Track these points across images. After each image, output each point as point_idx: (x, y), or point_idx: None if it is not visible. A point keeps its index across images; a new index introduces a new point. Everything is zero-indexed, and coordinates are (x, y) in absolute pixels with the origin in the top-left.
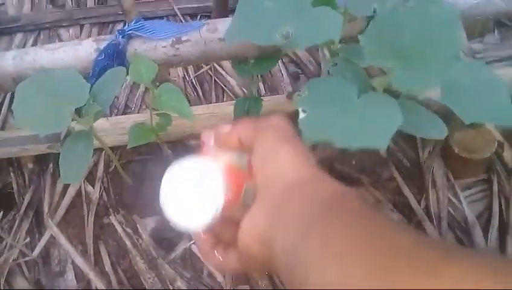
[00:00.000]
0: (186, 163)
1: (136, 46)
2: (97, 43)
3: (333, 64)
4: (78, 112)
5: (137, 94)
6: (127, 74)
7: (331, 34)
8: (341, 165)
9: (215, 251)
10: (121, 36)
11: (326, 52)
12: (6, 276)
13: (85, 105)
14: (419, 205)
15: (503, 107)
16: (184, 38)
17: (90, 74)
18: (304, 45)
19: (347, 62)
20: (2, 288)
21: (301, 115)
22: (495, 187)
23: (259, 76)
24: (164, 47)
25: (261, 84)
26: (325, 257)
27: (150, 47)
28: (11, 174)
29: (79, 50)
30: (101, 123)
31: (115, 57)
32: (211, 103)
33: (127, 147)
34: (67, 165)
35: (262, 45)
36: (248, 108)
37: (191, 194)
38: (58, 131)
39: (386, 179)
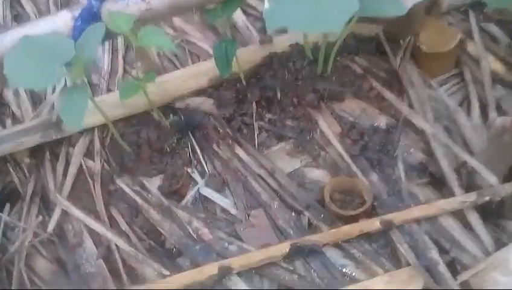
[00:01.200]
0: None
1: (108, 7)
2: (72, 12)
3: None
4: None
5: (118, 76)
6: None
7: None
8: (323, 80)
9: None
10: (93, 0)
11: None
12: (25, 260)
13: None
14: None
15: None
16: None
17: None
18: None
19: None
20: (22, 272)
21: (266, 6)
22: (467, 76)
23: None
24: (135, 3)
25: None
26: None
27: (122, 5)
28: (10, 169)
29: (57, 22)
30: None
31: (91, 20)
32: None
33: (120, 100)
34: (67, 112)
35: None
36: (225, 49)
37: None
38: (52, 85)
39: (367, 90)
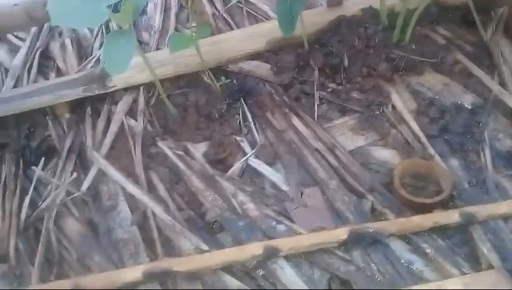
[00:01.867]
0: None
1: None
2: None
3: None
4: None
5: (168, 34)
6: None
7: None
8: (399, 50)
9: None
10: None
11: None
12: (55, 218)
13: (121, 1)
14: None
15: None
16: None
17: None
18: None
19: None
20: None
21: None
22: None
23: None
24: None
25: None
26: None
27: None
28: (49, 123)
29: None
30: (136, 60)
31: None
32: None
33: (170, 53)
34: (111, 57)
35: None
36: (291, 4)
37: None
38: (97, 25)
39: (451, 64)
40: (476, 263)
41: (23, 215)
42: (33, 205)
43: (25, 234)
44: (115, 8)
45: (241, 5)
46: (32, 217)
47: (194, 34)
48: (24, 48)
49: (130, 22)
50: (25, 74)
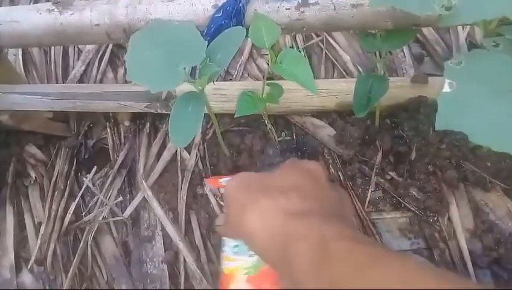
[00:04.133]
0: None
1: (256, 6)
2: None
3: (495, 44)
4: (190, 71)
5: (240, 61)
6: (247, 35)
7: (505, 10)
8: (472, 165)
9: None
10: None
11: (461, 33)
12: (95, 233)
13: (200, 64)
14: None
15: None
16: (312, 0)
17: (205, 32)
18: (468, 19)
19: None
20: (88, 245)
21: (446, 88)
22: None
23: (387, 53)
24: (288, 9)
25: (377, 64)
26: None
27: (272, 8)
28: (107, 129)
29: (196, 4)
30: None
31: (233, 16)
32: (319, 78)
33: (235, 116)
34: (176, 127)
35: (417, 14)
36: (371, 88)
37: None
38: (171, 89)
39: None
40: None
41: (66, 220)
42: (77, 211)
43: (64, 240)
44: (192, 71)
45: (321, 45)
46: (74, 226)
47: (263, 94)
48: None
49: (205, 86)
50: (96, 62)
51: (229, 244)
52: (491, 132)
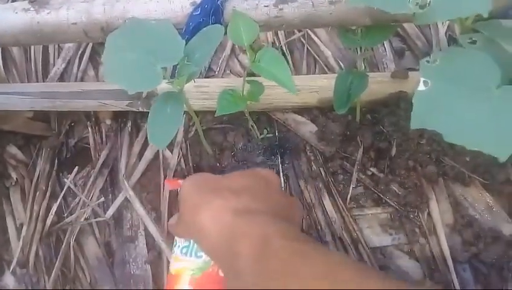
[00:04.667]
0: None
1: (235, 3)
2: None
3: (471, 41)
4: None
5: (222, 57)
6: (225, 33)
7: (479, 8)
8: (451, 161)
9: None
10: None
11: (441, 27)
12: (77, 234)
13: (178, 64)
14: None
15: None
16: None
17: (183, 30)
18: (442, 17)
19: (490, 42)
20: (71, 247)
21: (421, 86)
22: None
23: (367, 48)
24: (266, 6)
25: (358, 60)
26: None
27: (251, 5)
28: (89, 128)
29: (174, 2)
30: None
31: (211, 13)
32: (300, 74)
33: (215, 115)
34: (155, 127)
35: (391, 12)
36: (351, 84)
37: None
38: (149, 89)
39: (501, 182)
40: None
41: (48, 221)
42: (58, 212)
43: (46, 242)
44: (172, 70)
45: (303, 41)
46: (56, 227)
47: (244, 92)
48: None
49: (182, 88)
50: (77, 60)
51: (179, 245)
52: (466, 131)
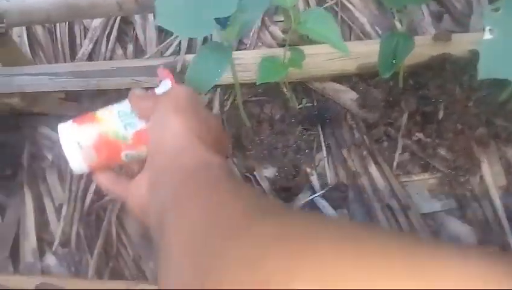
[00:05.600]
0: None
1: None
2: None
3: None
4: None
5: (253, 30)
6: None
7: None
8: (503, 121)
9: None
10: None
11: None
12: (118, 212)
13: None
14: None
15: None
16: None
17: None
18: None
19: None
20: (112, 224)
21: (486, 36)
22: None
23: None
24: None
25: (397, 23)
26: (179, 224)
27: None
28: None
29: None
30: None
31: None
32: None
33: (257, 83)
34: (196, 71)
35: None
36: (396, 46)
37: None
38: (200, 36)
39: None
40: None
41: (88, 200)
42: (98, 191)
43: (87, 220)
44: (223, 23)
45: (336, 9)
46: (96, 206)
47: (285, 60)
48: None
49: (231, 41)
50: (104, 39)
51: (126, 109)
52: None
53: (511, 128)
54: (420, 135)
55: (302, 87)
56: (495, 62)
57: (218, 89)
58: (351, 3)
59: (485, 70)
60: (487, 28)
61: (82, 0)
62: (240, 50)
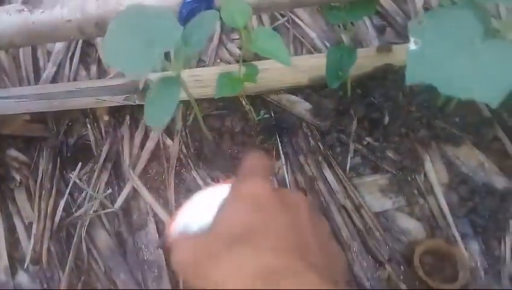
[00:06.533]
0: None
1: None
2: None
3: (452, 2)
4: (166, 56)
5: (211, 47)
6: (219, 17)
7: None
8: (442, 123)
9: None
10: None
11: (418, 1)
12: (87, 227)
13: (175, 49)
14: None
15: None
16: None
17: (177, 17)
18: None
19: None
20: (82, 240)
21: (412, 46)
22: None
23: (351, 24)
24: None
25: (344, 37)
26: None
27: None
28: (88, 125)
29: None
30: None
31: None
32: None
33: (214, 97)
34: (152, 109)
35: None
36: (341, 59)
37: None
38: (146, 72)
39: (490, 140)
40: None
41: (57, 218)
42: (66, 208)
43: (57, 237)
44: (167, 56)
45: (288, 26)
46: (66, 223)
47: (241, 75)
48: None
49: (179, 72)
50: (67, 62)
51: None
52: (457, 82)
53: (449, 129)
54: (369, 139)
55: (259, 100)
56: (419, 69)
57: (181, 105)
58: (301, 20)
59: (411, 76)
60: (412, 39)
61: (43, 25)
62: (200, 67)
